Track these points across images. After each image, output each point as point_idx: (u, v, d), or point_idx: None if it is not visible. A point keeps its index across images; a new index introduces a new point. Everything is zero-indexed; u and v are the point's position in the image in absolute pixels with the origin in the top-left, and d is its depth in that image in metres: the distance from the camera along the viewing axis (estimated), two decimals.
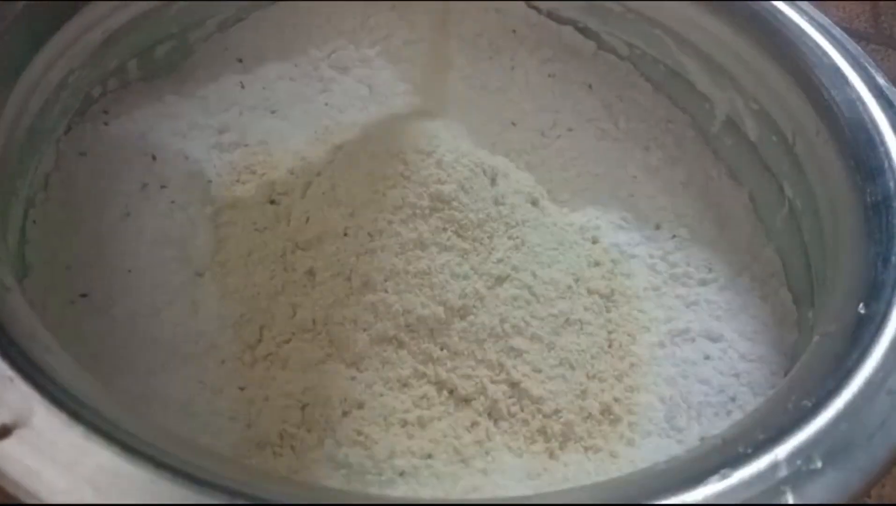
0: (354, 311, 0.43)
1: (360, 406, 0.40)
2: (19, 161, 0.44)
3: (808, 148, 0.48)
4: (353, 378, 0.41)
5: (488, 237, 0.46)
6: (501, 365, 0.43)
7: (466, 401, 0.42)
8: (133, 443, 0.29)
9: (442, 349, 0.43)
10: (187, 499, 0.28)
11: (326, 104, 0.57)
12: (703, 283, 0.50)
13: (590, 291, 0.48)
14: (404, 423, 0.40)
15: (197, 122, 0.53)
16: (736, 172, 0.56)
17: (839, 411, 0.33)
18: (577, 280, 0.47)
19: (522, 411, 0.42)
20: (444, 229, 0.45)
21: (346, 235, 0.45)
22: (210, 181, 0.50)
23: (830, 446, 0.32)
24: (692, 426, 0.44)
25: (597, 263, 0.50)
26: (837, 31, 0.51)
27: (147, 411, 0.39)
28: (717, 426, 0.43)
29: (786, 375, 0.43)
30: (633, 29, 0.59)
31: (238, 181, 0.50)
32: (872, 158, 0.44)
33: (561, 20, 0.62)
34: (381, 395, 0.41)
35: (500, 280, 0.45)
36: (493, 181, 0.48)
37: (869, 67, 0.48)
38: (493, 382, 0.42)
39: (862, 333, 0.37)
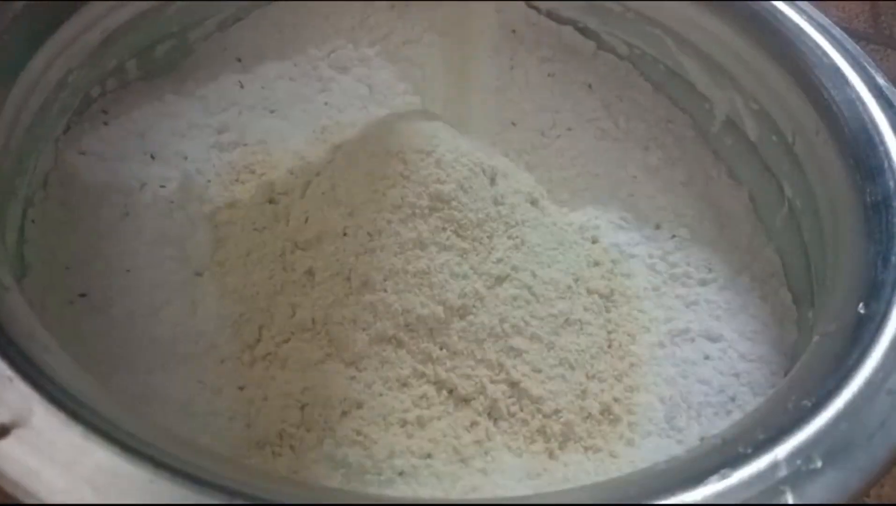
0: (354, 310, 0.42)
1: (360, 406, 0.40)
2: (18, 160, 0.44)
3: (808, 148, 0.48)
4: (352, 378, 0.41)
5: (488, 237, 0.46)
6: (501, 365, 0.43)
7: (466, 401, 0.42)
8: (132, 443, 0.29)
9: (441, 349, 0.43)
10: (186, 499, 0.28)
11: (326, 104, 0.57)
12: (703, 283, 0.50)
13: (589, 291, 0.48)
14: (404, 423, 0.40)
15: (196, 122, 0.53)
16: (736, 172, 0.56)
17: (839, 410, 0.33)
18: (576, 280, 0.47)
19: (522, 410, 0.42)
20: (444, 229, 0.45)
21: (345, 234, 0.45)
22: (209, 181, 0.50)
23: (830, 445, 0.32)
24: (692, 426, 0.44)
25: (596, 263, 0.50)
26: (837, 31, 0.51)
27: (146, 411, 0.39)
28: (717, 426, 0.43)
29: (786, 375, 0.43)
30: (633, 29, 0.59)
31: (237, 181, 0.50)
32: (872, 158, 0.44)
33: (561, 20, 0.62)
34: (381, 394, 0.41)
35: (499, 280, 0.45)
36: (493, 181, 0.48)
37: (869, 67, 0.48)
38: (492, 381, 0.42)
39: (862, 333, 0.37)
